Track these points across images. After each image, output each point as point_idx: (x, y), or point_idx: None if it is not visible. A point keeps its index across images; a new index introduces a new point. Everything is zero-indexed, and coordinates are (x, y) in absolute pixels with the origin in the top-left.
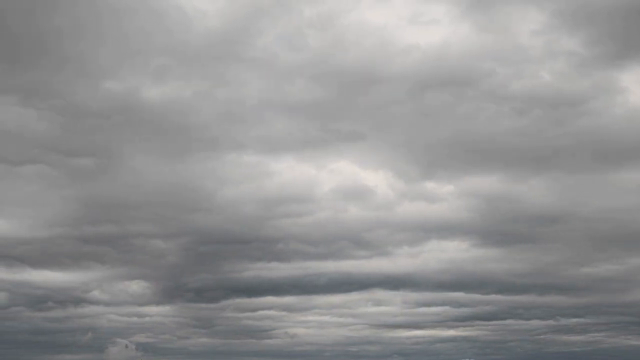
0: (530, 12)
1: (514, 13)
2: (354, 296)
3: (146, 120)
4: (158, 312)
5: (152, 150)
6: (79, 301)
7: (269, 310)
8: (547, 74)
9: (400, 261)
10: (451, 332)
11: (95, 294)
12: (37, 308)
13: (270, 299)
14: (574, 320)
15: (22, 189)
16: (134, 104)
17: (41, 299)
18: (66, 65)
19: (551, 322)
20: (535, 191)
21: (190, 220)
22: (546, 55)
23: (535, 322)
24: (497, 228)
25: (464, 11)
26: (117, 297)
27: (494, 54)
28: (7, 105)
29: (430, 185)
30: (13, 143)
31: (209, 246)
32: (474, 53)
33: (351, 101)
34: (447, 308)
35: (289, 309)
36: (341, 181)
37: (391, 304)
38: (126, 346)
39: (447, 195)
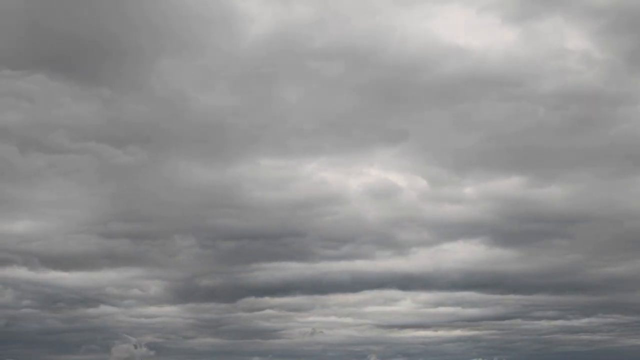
0: (572, 22)
1: (557, 22)
2: (365, 295)
3: (189, 121)
4: (170, 312)
5: (191, 150)
6: (90, 301)
7: (276, 310)
8: (583, 79)
9: (417, 262)
10: (457, 332)
11: (109, 292)
12: (49, 308)
13: (277, 300)
14: (585, 320)
15: (56, 186)
16: (179, 104)
17: (53, 298)
18: (116, 59)
19: (560, 321)
20: (559, 193)
21: (214, 219)
22: (583, 62)
23: (544, 322)
24: (518, 229)
25: (509, 18)
26: (131, 297)
27: (534, 60)
28: (56, 94)
29: (456, 188)
30: (56, 131)
31: (228, 243)
32: (514, 58)
33: (387, 105)
34: (458, 308)
35: (299, 308)
36: (369, 184)
37: (402, 304)
38: (135, 346)
39: (472, 197)
